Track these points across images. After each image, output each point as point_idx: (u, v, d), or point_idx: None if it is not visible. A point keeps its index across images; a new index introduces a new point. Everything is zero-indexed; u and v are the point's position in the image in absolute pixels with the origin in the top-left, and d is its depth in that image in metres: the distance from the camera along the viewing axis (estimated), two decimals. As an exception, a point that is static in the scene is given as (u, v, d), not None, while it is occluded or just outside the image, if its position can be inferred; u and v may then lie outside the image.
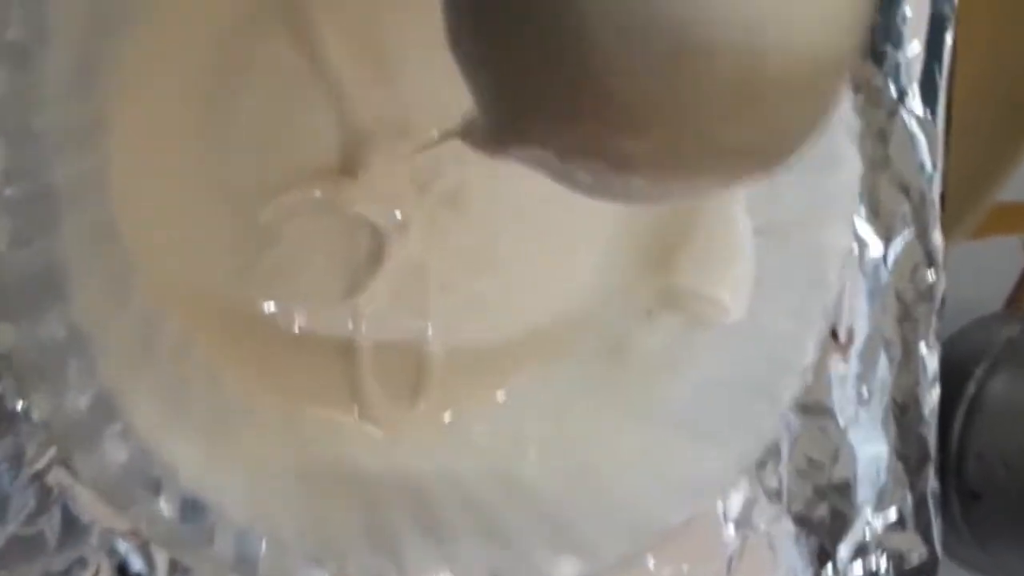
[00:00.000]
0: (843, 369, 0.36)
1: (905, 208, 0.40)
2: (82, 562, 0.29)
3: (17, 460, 0.28)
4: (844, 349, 0.36)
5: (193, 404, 0.29)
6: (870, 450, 0.39)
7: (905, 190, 0.40)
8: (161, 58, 0.29)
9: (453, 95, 0.30)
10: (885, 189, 0.37)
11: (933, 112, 0.40)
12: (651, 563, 0.33)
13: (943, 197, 0.39)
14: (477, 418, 0.32)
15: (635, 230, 0.33)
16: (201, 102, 0.30)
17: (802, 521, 0.36)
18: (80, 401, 0.27)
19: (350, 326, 0.31)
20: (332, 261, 0.31)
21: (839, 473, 0.38)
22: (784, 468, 0.36)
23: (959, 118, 0.38)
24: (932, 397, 0.39)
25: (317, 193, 0.30)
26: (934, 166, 0.40)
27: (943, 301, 0.39)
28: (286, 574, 0.29)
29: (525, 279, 0.32)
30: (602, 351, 0.32)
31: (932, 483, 0.38)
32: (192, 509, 0.28)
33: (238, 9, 0.29)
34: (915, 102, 0.40)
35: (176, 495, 0.28)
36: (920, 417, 0.40)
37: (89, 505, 0.29)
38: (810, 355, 0.31)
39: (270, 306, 0.30)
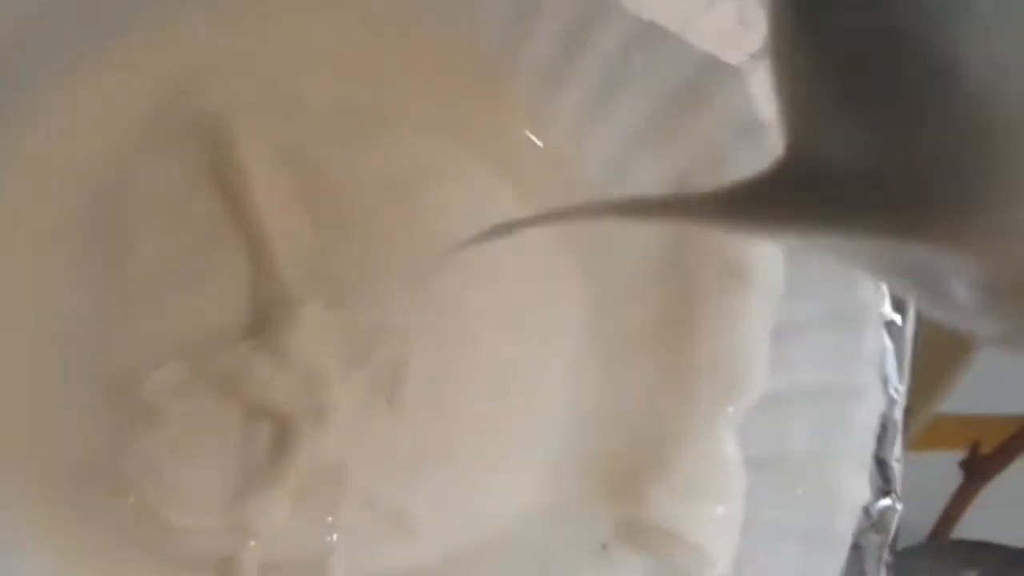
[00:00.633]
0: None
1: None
2: None
3: None
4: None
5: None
6: None
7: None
8: (43, 195, 0.24)
9: (394, 264, 0.26)
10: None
11: (903, 317, 0.37)
12: None
13: (906, 414, 0.36)
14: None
15: (596, 446, 0.28)
16: (82, 234, 0.24)
17: None
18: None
19: (237, 540, 0.25)
20: (222, 454, 0.25)
21: None
22: None
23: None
24: (880, 635, 0.35)
25: (216, 367, 0.24)
26: (900, 379, 0.36)
27: (896, 533, 0.36)
28: None
29: (458, 492, 0.27)
30: (544, 595, 0.27)
31: None
32: None
33: (144, 126, 0.24)
34: (885, 306, 0.36)
35: None
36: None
37: None
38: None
39: (134, 506, 0.24)
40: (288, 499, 0.25)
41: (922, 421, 0.42)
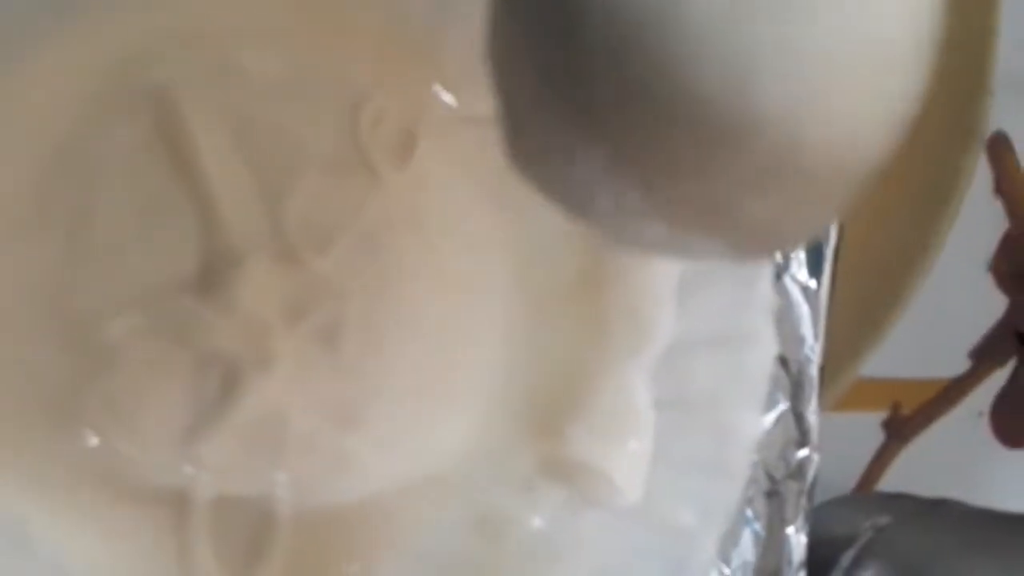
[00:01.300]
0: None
1: (782, 380, 0.38)
2: None
3: None
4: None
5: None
6: (725, 636, 0.36)
7: (783, 361, 0.38)
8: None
9: (336, 221, 0.28)
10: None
11: (818, 282, 0.39)
12: None
13: (822, 371, 0.38)
14: (327, 594, 0.28)
15: (521, 390, 0.30)
16: (38, 198, 0.26)
17: None
18: None
19: (187, 474, 0.26)
20: (175, 396, 0.26)
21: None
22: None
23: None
24: (798, 584, 0.37)
25: (170, 315, 0.26)
26: (815, 338, 0.38)
27: (813, 482, 0.38)
28: None
29: (396, 434, 0.29)
30: (475, 526, 0.29)
31: None
32: None
33: (98, 94, 0.26)
34: (800, 270, 0.38)
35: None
36: (784, 605, 0.37)
37: None
38: (709, 555, 0.28)
39: (94, 443, 0.26)
40: (236, 439, 0.27)
41: (844, 383, 0.43)
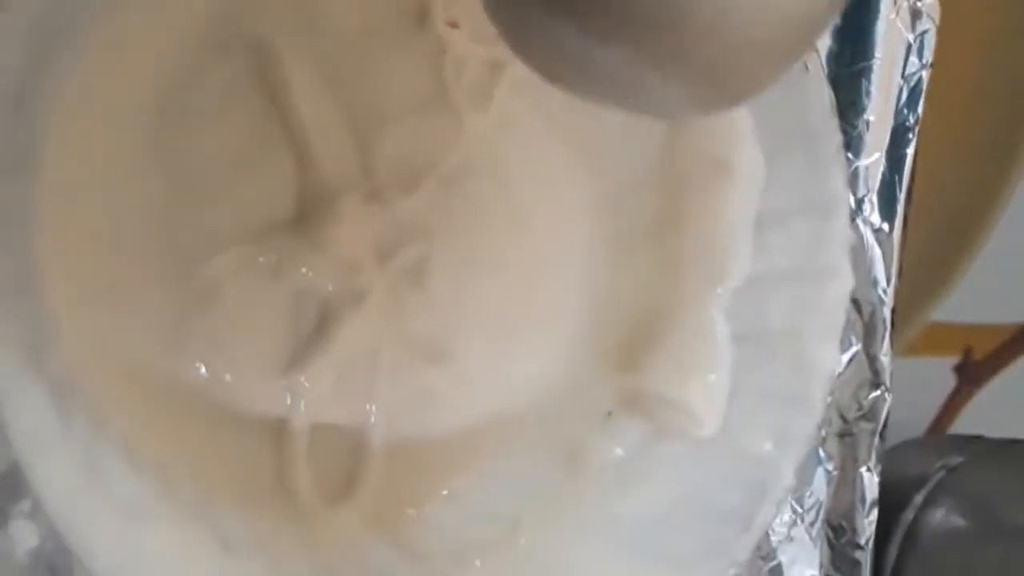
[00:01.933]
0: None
1: (855, 322, 0.38)
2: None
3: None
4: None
5: (108, 486, 0.25)
6: (801, 572, 0.37)
7: (856, 303, 0.38)
8: (108, 94, 0.26)
9: (422, 163, 0.29)
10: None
11: (891, 224, 0.39)
12: None
13: (893, 314, 0.38)
14: (416, 520, 0.29)
15: (603, 324, 0.31)
16: (146, 142, 0.27)
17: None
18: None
19: (288, 403, 0.28)
20: (275, 330, 0.28)
21: (766, 596, 0.36)
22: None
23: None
24: (869, 523, 0.37)
25: (269, 252, 0.27)
26: (888, 281, 0.39)
27: (886, 423, 0.38)
28: None
29: (481, 370, 0.30)
30: (557, 455, 0.30)
31: (864, 617, 0.36)
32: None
33: (198, 43, 0.27)
34: (873, 214, 0.39)
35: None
36: (855, 543, 0.38)
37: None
38: (789, 482, 0.29)
39: (198, 375, 0.27)
40: (331, 371, 0.28)
41: (917, 327, 0.44)
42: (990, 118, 0.43)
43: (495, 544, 0.29)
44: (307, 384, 0.28)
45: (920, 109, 0.36)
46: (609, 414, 0.30)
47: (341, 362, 0.28)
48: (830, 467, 0.37)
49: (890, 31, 0.35)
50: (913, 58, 0.37)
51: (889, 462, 0.41)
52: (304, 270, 0.28)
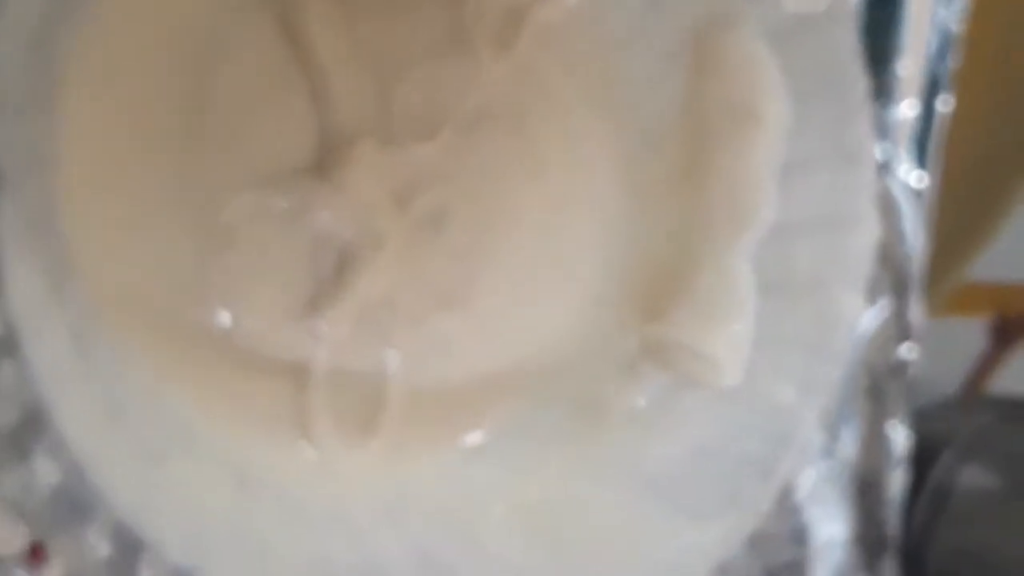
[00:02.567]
0: (807, 437, 0.34)
1: (883, 277, 0.38)
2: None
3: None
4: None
5: (129, 425, 0.25)
6: (828, 530, 0.37)
7: (885, 259, 0.38)
8: (128, 36, 0.26)
9: (441, 109, 0.29)
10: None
11: (922, 178, 0.39)
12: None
13: (926, 273, 0.38)
14: (436, 465, 0.29)
15: (625, 274, 0.30)
16: (168, 85, 0.27)
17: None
18: (9, 411, 0.24)
19: (307, 347, 0.28)
20: (295, 274, 0.28)
21: (793, 552, 0.35)
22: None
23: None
24: (898, 481, 0.37)
25: (287, 196, 0.27)
26: (917, 236, 0.38)
27: (914, 380, 0.38)
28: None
29: (500, 318, 0.30)
30: (580, 404, 0.30)
31: (892, 573, 0.36)
32: (123, 541, 0.25)
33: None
34: (903, 168, 0.38)
35: (108, 524, 0.25)
36: (883, 500, 0.38)
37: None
38: (812, 430, 0.29)
39: (220, 316, 0.27)
40: (351, 316, 0.28)
41: (950, 286, 0.43)
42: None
43: (514, 492, 0.29)
44: (327, 328, 0.28)
45: (953, 60, 0.36)
46: (632, 364, 0.30)
47: (360, 307, 0.28)
48: (858, 424, 0.37)
49: (923, -21, 0.35)
50: (942, 10, 0.36)
51: (919, 419, 0.41)
52: (322, 214, 0.28)
